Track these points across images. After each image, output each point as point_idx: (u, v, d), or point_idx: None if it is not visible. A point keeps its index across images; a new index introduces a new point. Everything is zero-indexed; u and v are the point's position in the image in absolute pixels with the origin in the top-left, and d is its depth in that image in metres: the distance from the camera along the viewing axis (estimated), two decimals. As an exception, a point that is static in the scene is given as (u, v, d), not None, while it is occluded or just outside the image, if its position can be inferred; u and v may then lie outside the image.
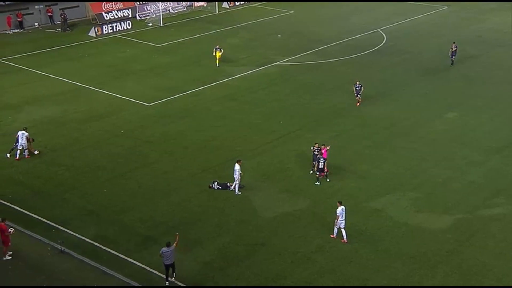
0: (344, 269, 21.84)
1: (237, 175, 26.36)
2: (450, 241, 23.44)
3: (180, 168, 29.12)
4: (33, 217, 24.90)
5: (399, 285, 21.07)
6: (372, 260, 22.36)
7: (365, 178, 28.15)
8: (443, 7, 62.80)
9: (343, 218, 23.14)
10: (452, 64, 43.21)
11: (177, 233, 21.31)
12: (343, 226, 23.20)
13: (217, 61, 42.70)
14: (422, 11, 60.99)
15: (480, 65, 44.87)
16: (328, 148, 28.21)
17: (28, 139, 29.66)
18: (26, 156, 29.62)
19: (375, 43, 50.08)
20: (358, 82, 35.97)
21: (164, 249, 20.64)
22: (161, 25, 55.78)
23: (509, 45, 49.64)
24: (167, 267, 20.84)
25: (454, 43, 43.62)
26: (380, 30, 54.03)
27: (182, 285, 21.08)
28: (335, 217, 23.24)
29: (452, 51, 43.31)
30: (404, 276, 21.52)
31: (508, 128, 33.39)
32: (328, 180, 27.58)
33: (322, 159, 27.27)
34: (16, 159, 29.45)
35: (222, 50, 43.03)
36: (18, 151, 29.54)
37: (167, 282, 21.02)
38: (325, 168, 27.37)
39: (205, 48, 48.24)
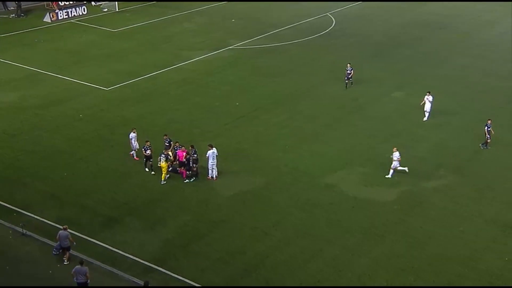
0: (299, 242, 23.12)
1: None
2: (397, 212, 25.10)
3: (140, 150, 29.72)
4: (-6, 201, 24.99)
5: (351, 254, 22.50)
6: (326, 232, 23.74)
7: (319, 155, 29.52)
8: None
9: (214, 161, 26.73)
10: (346, 87, 37.64)
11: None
12: (214, 168, 26.90)
13: (163, 176, 26.89)
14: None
15: (425, 47, 46.91)
16: (189, 150, 26.92)
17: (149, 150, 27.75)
18: (135, 158, 28.92)
19: (325, 26, 51.56)
20: (147, 144, 27.65)
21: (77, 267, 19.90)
22: (117, 10, 55.64)
23: (449, 28, 52.12)
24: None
25: (349, 63, 37.99)
26: (329, 14, 55.51)
27: (145, 262, 21.69)
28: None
29: (347, 72, 37.59)
30: (354, 244, 22.99)
31: (449, 105, 35.33)
32: (191, 180, 27.01)
33: (164, 155, 26.43)
34: (136, 159, 28.81)
35: (170, 156, 27.00)
36: (134, 152, 28.92)
37: None
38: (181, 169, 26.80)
39: (162, 33, 48.70)
